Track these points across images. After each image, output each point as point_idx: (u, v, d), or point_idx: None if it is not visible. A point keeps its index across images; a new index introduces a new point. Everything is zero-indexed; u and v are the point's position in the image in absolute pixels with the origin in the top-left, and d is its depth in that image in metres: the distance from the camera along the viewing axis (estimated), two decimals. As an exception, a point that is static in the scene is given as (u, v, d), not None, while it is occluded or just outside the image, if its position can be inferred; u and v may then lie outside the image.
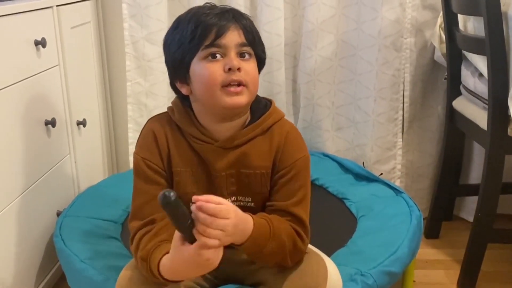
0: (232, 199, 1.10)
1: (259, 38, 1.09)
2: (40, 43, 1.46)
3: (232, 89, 1.02)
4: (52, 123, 1.53)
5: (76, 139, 1.73)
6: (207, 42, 1.02)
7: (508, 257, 1.81)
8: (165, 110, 1.96)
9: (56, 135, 1.59)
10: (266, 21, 1.87)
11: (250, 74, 1.04)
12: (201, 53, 1.02)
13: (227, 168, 1.08)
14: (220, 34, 1.01)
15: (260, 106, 1.12)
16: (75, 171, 1.73)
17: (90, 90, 1.90)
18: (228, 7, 1.08)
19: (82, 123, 1.75)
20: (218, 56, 1.02)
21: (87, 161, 1.83)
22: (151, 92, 1.96)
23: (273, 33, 1.88)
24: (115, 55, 2.01)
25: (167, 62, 1.09)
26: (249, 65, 1.04)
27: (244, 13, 1.08)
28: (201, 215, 0.89)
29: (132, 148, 1.98)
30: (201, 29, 1.02)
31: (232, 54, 1.02)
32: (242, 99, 1.03)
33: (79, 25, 1.78)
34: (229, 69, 1.01)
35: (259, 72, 1.10)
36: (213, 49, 1.02)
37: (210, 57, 1.02)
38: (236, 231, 0.94)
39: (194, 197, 0.90)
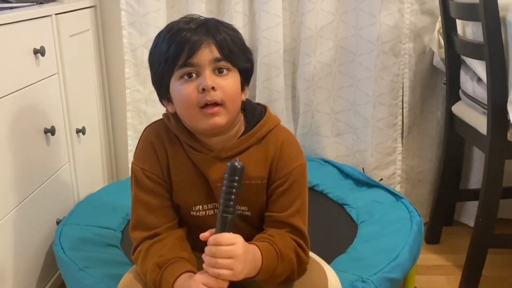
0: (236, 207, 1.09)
1: (241, 48, 1.03)
2: (39, 51, 1.46)
3: (208, 110, 0.99)
4: (51, 131, 1.53)
5: (76, 147, 1.73)
6: (180, 62, 0.99)
7: (509, 262, 1.81)
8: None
9: (56, 143, 1.59)
10: (265, 28, 1.88)
11: (227, 92, 1.00)
12: (176, 73, 1.00)
13: (222, 179, 1.05)
14: (191, 53, 0.97)
15: (256, 114, 1.09)
16: (74, 179, 1.73)
17: (89, 98, 1.90)
18: (204, 19, 1.03)
19: (82, 131, 1.75)
20: (194, 75, 0.99)
21: (87, 169, 1.83)
22: (150, 100, 1.96)
23: (272, 39, 1.89)
24: (114, 62, 2.01)
25: (152, 81, 1.07)
26: (226, 81, 1.00)
27: (222, 24, 1.03)
28: (207, 248, 0.90)
29: (131, 156, 1.98)
30: (173, 49, 0.98)
31: (207, 72, 0.98)
32: (220, 119, 1.00)
33: (78, 33, 1.78)
34: (203, 89, 0.98)
35: (248, 82, 1.07)
36: (186, 69, 0.99)
37: (186, 77, 0.99)
38: (247, 258, 0.93)
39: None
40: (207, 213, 1.10)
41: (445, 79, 1.87)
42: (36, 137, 1.50)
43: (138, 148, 1.12)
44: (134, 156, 1.12)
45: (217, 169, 1.05)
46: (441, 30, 1.80)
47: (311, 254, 1.12)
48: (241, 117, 1.09)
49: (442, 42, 1.81)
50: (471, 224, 1.96)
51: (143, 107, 1.97)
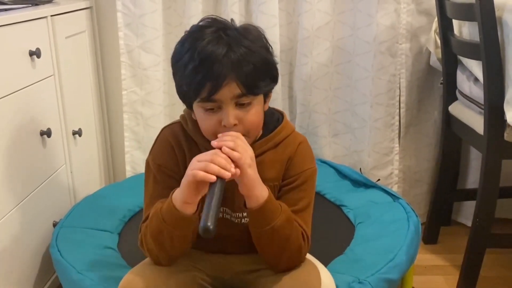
0: (244, 214, 1.09)
1: (265, 72, 1.01)
2: (35, 53, 1.46)
3: None
4: (47, 133, 1.53)
5: (72, 149, 1.72)
6: (202, 95, 0.98)
7: (507, 261, 1.81)
8: (161, 118, 1.97)
9: (52, 145, 1.59)
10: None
11: (249, 124, 1.01)
12: (199, 103, 1.01)
13: None
14: (213, 91, 0.97)
15: (273, 120, 1.11)
16: (71, 181, 1.73)
17: (85, 99, 1.89)
18: (227, 40, 0.98)
19: (78, 132, 1.74)
20: (215, 108, 0.99)
21: (83, 171, 1.83)
22: (147, 101, 1.95)
23: (269, 40, 1.86)
24: (111, 64, 2.00)
25: (176, 89, 1.06)
26: (249, 114, 1.01)
27: (247, 49, 0.98)
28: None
29: (128, 157, 1.98)
30: (195, 84, 0.97)
31: (229, 108, 0.98)
32: None
33: (74, 34, 1.77)
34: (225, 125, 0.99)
35: (270, 93, 1.06)
36: (208, 104, 0.99)
37: (208, 109, 1.00)
38: (252, 162, 0.97)
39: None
40: None
41: (441, 79, 1.87)
42: (32, 139, 1.49)
43: (155, 147, 1.12)
44: (151, 154, 1.12)
45: None
46: (437, 30, 1.80)
47: (308, 255, 1.12)
48: None
49: (438, 42, 1.81)
50: (469, 224, 1.96)
51: (140, 109, 1.96)
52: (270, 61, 1.03)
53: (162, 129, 1.14)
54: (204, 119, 1.02)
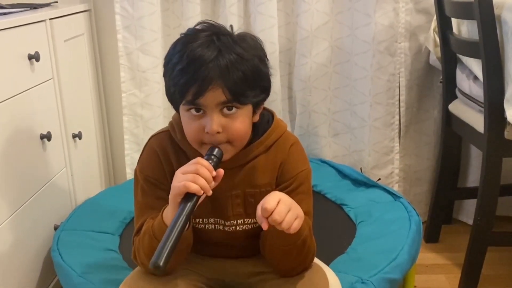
0: (239, 221, 1.08)
1: (254, 82, 0.97)
2: (34, 57, 1.46)
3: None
4: (47, 137, 1.52)
5: (72, 152, 1.72)
6: (187, 98, 0.96)
7: (509, 259, 1.81)
8: (161, 120, 1.97)
9: (52, 148, 1.59)
10: (260, 29, 1.87)
11: (234, 133, 0.98)
12: (183, 106, 0.99)
13: (232, 189, 1.05)
14: (199, 94, 0.94)
15: (263, 121, 1.08)
16: (71, 184, 1.72)
17: (85, 102, 1.89)
18: (218, 45, 0.95)
19: (78, 135, 1.74)
20: (201, 111, 0.97)
21: (84, 174, 1.82)
22: (146, 103, 1.95)
23: (268, 41, 1.88)
24: (110, 66, 2.00)
25: (165, 90, 1.05)
26: (234, 122, 0.97)
27: (238, 56, 0.95)
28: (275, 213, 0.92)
29: (128, 160, 1.98)
30: (181, 86, 0.95)
31: (214, 114, 0.95)
32: (224, 156, 0.99)
33: (73, 37, 1.77)
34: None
35: (260, 105, 1.04)
36: (193, 107, 0.97)
37: (193, 111, 0.97)
38: (292, 203, 0.96)
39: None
40: (207, 226, 1.09)
41: (441, 77, 1.87)
42: (32, 143, 1.49)
43: (142, 156, 1.11)
44: (138, 164, 1.11)
45: (227, 179, 0.99)
46: (436, 29, 1.80)
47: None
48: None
49: (437, 40, 1.81)
50: (470, 222, 1.96)
51: (139, 111, 1.96)
52: (262, 71, 0.99)
53: (150, 138, 1.12)
54: (188, 124, 0.99)
